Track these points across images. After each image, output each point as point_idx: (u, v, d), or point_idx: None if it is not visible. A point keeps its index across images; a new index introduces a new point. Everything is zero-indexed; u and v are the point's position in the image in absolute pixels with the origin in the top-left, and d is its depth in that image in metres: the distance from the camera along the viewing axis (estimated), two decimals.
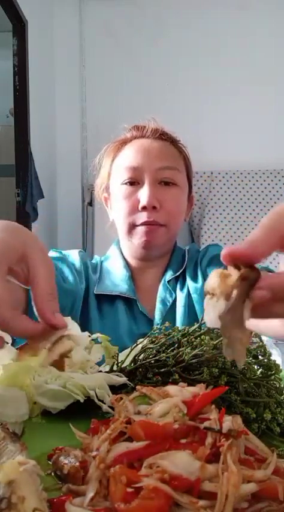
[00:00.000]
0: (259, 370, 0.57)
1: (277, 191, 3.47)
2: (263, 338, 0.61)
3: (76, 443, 0.43)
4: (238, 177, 3.51)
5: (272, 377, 0.56)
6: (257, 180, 3.49)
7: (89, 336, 0.64)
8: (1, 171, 3.63)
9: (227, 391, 0.51)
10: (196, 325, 0.63)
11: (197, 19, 3.63)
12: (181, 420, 0.39)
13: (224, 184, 3.50)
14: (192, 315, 1.04)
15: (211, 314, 0.38)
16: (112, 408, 0.48)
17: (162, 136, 1.07)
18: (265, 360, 0.57)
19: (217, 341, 0.57)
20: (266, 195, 3.47)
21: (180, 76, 3.64)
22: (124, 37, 3.66)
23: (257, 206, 3.43)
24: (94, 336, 0.65)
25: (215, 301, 0.38)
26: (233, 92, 3.59)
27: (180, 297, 1.06)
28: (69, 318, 0.65)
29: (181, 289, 1.08)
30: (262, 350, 0.58)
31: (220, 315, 0.37)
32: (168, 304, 1.05)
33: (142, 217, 1.00)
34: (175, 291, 1.08)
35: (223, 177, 3.51)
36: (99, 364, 0.63)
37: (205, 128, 3.51)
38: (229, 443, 0.36)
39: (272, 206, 3.46)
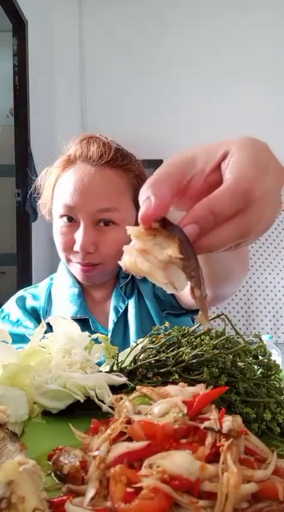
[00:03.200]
0: (259, 370, 0.56)
1: None
2: (264, 338, 0.61)
3: (76, 443, 0.43)
4: None
5: (272, 377, 0.56)
6: None
7: (89, 336, 0.64)
8: (1, 171, 3.63)
9: (227, 391, 0.51)
10: (196, 325, 0.63)
11: (197, 19, 3.64)
12: (181, 420, 0.38)
13: None
14: (144, 317, 1.04)
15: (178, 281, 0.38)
16: (112, 408, 0.48)
17: (108, 162, 0.99)
18: (265, 360, 0.57)
19: (217, 341, 0.57)
20: None
21: (180, 76, 3.64)
22: (124, 37, 3.66)
23: None
24: (94, 336, 0.65)
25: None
26: (233, 92, 3.60)
27: (131, 301, 1.06)
28: (69, 318, 0.65)
29: (131, 293, 1.07)
30: (262, 350, 0.58)
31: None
32: (121, 310, 1.05)
33: (77, 257, 0.99)
34: (126, 296, 1.07)
35: None
36: (99, 364, 0.63)
37: (205, 128, 3.51)
38: (229, 443, 0.36)
39: None
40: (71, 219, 0.98)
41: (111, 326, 1.03)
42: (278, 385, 0.56)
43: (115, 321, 1.04)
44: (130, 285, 1.09)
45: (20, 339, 0.84)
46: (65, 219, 0.98)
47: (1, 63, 3.69)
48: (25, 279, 3.02)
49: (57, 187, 1.02)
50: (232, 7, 3.62)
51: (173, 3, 3.64)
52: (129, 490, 0.32)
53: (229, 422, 0.38)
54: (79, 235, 0.96)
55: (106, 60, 3.68)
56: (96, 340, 0.65)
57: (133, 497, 0.32)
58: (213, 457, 0.35)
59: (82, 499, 0.34)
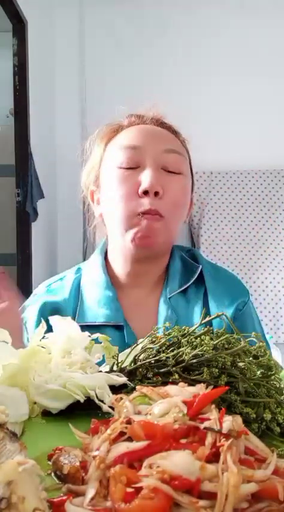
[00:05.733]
0: (259, 370, 0.56)
1: (277, 191, 3.47)
2: None
3: (76, 443, 0.43)
4: (238, 177, 3.51)
5: (272, 377, 0.56)
6: (257, 180, 3.49)
7: (89, 336, 0.64)
8: (1, 171, 3.62)
9: (227, 391, 0.51)
10: (196, 325, 0.63)
11: (197, 19, 3.63)
12: (181, 420, 0.38)
13: (224, 184, 3.50)
14: None
15: None
16: (112, 408, 0.48)
17: (164, 124, 0.97)
18: (265, 360, 0.57)
19: (217, 341, 0.57)
20: (266, 195, 3.46)
21: (180, 76, 3.64)
22: (124, 37, 3.66)
23: (257, 206, 3.43)
24: (94, 336, 0.65)
25: None
26: (233, 92, 3.59)
27: (186, 318, 0.90)
28: (69, 317, 0.65)
29: (192, 307, 0.92)
30: (262, 350, 0.58)
31: None
32: (173, 324, 0.86)
33: (143, 204, 0.85)
34: (176, 310, 0.91)
35: (223, 177, 3.51)
36: (99, 364, 0.63)
37: (205, 128, 3.51)
38: (229, 443, 0.36)
39: (272, 206, 3.47)
40: (131, 168, 0.89)
41: None
42: (278, 385, 0.56)
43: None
44: (193, 292, 0.94)
45: None
46: (124, 168, 0.89)
47: (1, 63, 3.69)
48: (25, 279, 3.02)
49: (111, 144, 0.95)
50: (232, 7, 3.61)
51: (173, 3, 3.64)
52: (129, 490, 0.32)
53: (229, 422, 0.38)
54: (146, 174, 0.86)
55: (106, 60, 3.68)
56: (96, 340, 0.65)
57: (133, 497, 0.32)
58: (213, 457, 0.35)
59: (82, 499, 0.34)
